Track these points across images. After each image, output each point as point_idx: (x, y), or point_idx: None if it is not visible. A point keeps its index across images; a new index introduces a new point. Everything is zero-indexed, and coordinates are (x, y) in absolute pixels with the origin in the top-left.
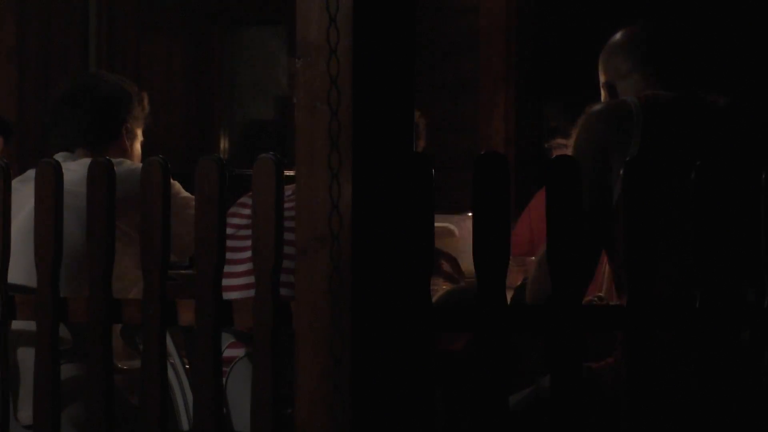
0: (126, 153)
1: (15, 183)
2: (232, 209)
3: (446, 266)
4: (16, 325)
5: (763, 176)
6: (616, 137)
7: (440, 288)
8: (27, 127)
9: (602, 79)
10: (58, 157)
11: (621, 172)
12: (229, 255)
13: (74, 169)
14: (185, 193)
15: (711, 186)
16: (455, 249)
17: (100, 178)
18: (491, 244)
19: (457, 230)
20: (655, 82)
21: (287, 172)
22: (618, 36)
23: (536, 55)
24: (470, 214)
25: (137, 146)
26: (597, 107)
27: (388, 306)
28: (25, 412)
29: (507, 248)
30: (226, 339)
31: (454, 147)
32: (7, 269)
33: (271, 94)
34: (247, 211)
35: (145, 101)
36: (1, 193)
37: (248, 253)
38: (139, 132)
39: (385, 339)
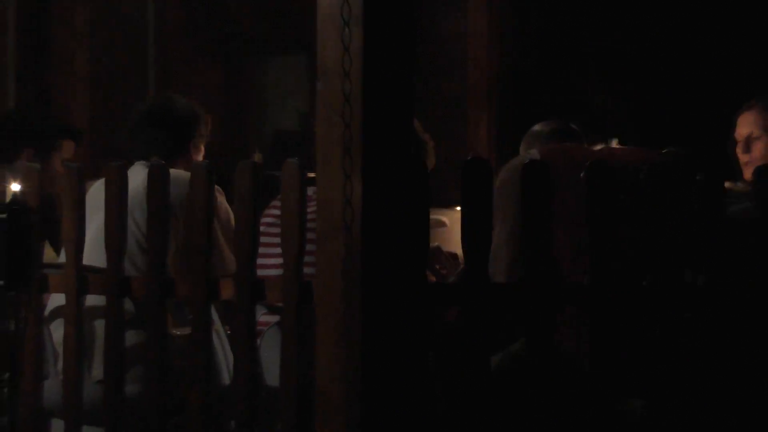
0: (191, 165)
1: (97, 184)
2: (266, 211)
3: (444, 259)
4: (90, 299)
5: (698, 178)
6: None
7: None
8: (98, 137)
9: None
10: (138, 164)
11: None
12: (268, 239)
13: (145, 177)
14: (225, 209)
15: (659, 187)
16: (446, 238)
17: (158, 181)
18: (476, 234)
19: (448, 221)
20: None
21: (309, 174)
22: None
23: (517, 74)
24: (459, 208)
25: (200, 159)
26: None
27: (392, 284)
28: (96, 370)
29: (489, 237)
30: (260, 310)
31: (445, 152)
32: (82, 255)
33: (295, 110)
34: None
35: (209, 123)
36: (76, 192)
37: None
38: (202, 147)
39: (389, 311)
